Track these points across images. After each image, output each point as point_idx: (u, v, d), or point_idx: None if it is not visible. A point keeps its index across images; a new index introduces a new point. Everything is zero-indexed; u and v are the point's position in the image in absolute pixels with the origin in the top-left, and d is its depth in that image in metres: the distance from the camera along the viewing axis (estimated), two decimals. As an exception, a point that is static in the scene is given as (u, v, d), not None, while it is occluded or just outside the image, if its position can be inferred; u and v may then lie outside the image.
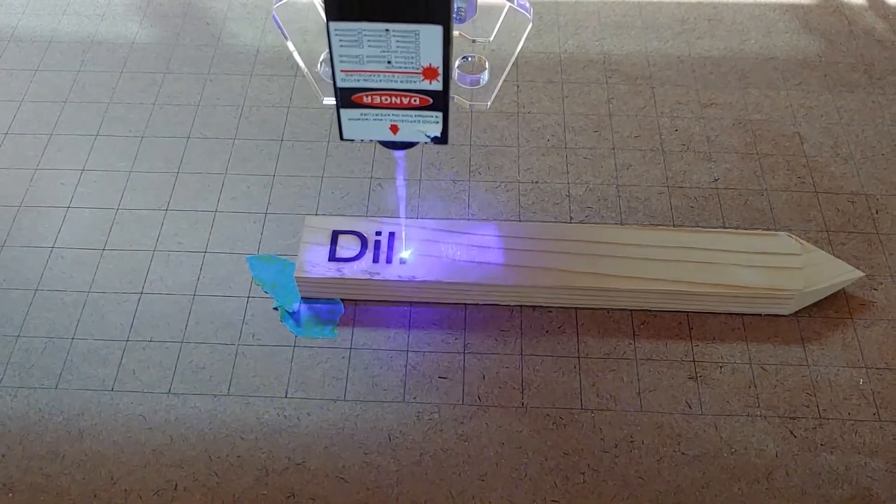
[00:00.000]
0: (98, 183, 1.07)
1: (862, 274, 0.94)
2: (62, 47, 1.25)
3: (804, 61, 1.23)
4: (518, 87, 1.19)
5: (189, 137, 1.12)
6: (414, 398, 0.88)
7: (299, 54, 0.80)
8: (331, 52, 0.67)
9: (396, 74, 0.69)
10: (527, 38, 1.25)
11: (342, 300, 0.95)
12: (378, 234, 0.95)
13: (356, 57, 0.67)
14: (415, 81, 0.69)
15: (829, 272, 0.93)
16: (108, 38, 1.27)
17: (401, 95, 0.71)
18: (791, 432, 0.85)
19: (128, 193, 1.06)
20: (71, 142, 1.12)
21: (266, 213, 1.04)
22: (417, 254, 0.93)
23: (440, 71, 0.68)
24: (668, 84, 1.20)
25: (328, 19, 0.64)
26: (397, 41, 0.66)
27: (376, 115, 0.73)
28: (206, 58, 1.24)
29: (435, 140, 0.75)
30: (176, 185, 1.07)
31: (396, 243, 0.94)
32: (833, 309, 0.95)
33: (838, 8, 1.32)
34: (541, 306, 0.95)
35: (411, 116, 0.73)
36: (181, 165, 1.09)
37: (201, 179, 1.07)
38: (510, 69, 1.21)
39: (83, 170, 1.08)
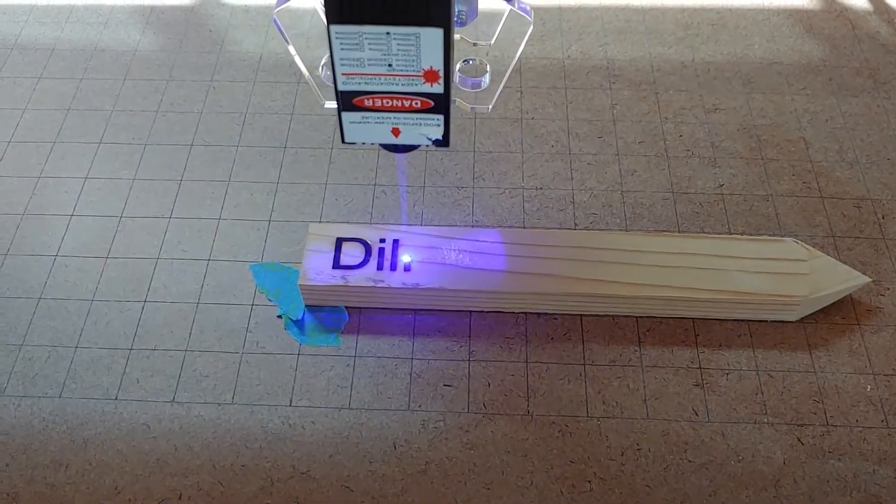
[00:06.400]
0: (101, 191, 1.07)
1: (869, 279, 0.94)
2: (65, 55, 1.25)
3: (808, 66, 1.23)
4: (521, 93, 1.19)
5: (192, 145, 1.12)
6: (419, 406, 0.87)
7: (300, 59, 0.80)
8: (332, 56, 0.67)
9: (397, 77, 0.69)
10: (530, 44, 1.25)
11: (346, 308, 0.95)
12: (382, 241, 0.95)
13: (357, 60, 0.67)
14: (416, 84, 0.69)
15: (835, 278, 0.93)
16: (110, 46, 1.27)
17: (402, 98, 0.71)
18: (798, 439, 0.85)
19: (131, 201, 1.06)
20: (74, 149, 1.12)
21: (269, 221, 1.03)
22: (421, 261, 0.93)
23: (441, 74, 0.68)
24: (672, 89, 1.19)
25: (329, 22, 0.64)
26: (398, 44, 0.66)
27: (378, 118, 0.73)
28: (208, 65, 1.24)
29: (436, 143, 0.75)
30: (179, 193, 1.07)
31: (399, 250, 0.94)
32: (840, 315, 0.94)
33: (842, 12, 1.32)
34: (546, 313, 0.94)
35: (413, 119, 0.73)
36: (184, 173, 1.09)
37: (204, 187, 1.07)
38: (513, 74, 1.20)
39: (86, 177, 1.08)
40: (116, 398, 0.88)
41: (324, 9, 0.63)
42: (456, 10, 0.71)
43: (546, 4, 1.33)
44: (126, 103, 1.18)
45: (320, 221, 1.03)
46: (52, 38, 1.28)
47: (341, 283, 0.91)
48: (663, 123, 1.15)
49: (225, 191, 1.07)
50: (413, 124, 0.73)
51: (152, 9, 1.33)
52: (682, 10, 1.32)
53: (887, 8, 1.33)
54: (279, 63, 1.24)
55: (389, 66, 0.68)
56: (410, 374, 0.90)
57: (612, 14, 1.32)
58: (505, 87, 0.86)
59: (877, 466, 0.83)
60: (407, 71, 0.68)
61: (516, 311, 0.94)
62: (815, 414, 0.87)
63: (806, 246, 0.95)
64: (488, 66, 0.82)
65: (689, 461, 0.83)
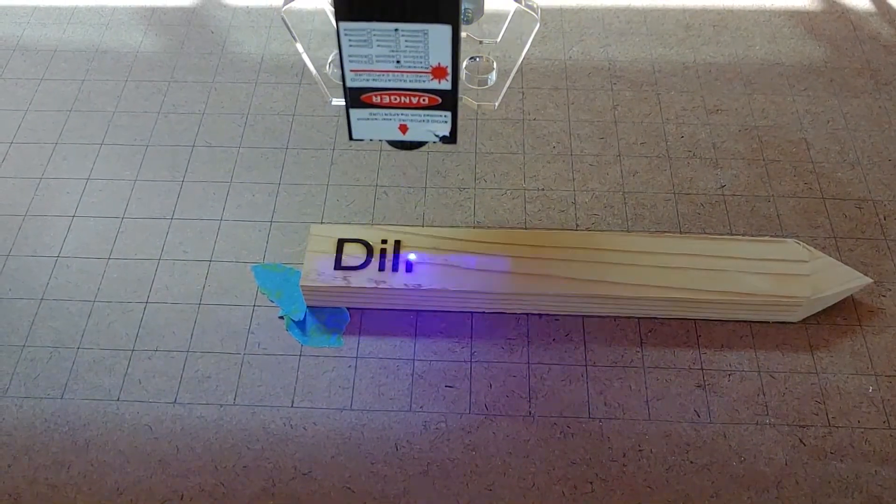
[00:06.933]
0: (103, 192, 1.07)
1: (870, 280, 0.94)
2: (67, 56, 1.26)
3: (810, 67, 1.23)
4: (523, 94, 1.19)
5: (194, 146, 1.12)
6: (420, 407, 0.87)
7: (308, 56, 0.80)
8: (340, 53, 0.68)
9: (406, 74, 0.69)
10: (531, 45, 1.25)
11: (348, 309, 0.95)
12: (384, 242, 0.95)
13: (366, 57, 0.68)
14: (424, 81, 0.70)
15: (837, 279, 0.93)
16: (112, 47, 1.27)
17: (410, 95, 0.71)
18: (800, 440, 0.85)
19: (133, 202, 1.06)
20: (76, 151, 1.12)
21: (271, 222, 1.03)
22: (423, 262, 0.93)
23: (449, 70, 0.68)
24: (673, 90, 1.19)
25: (338, 19, 0.65)
26: (406, 41, 0.66)
27: (385, 114, 0.73)
28: (210, 66, 1.24)
29: (444, 139, 0.75)
30: (181, 194, 1.07)
31: None
32: (841, 316, 0.94)
33: (844, 13, 1.32)
34: (547, 314, 0.94)
35: (420, 116, 0.73)
36: (186, 174, 1.09)
37: (206, 188, 1.07)
38: (517, 73, 1.20)
39: (88, 178, 1.08)
40: (118, 399, 0.88)
41: (333, 6, 0.64)
42: (463, 7, 0.72)
43: (547, 5, 1.33)
44: (128, 104, 1.18)
45: (322, 222, 1.03)
46: (54, 39, 1.28)
47: (343, 283, 0.91)
48: (665, 124, 1.15)
49: (227, 192, 1.07)
50: (421, 121, 0.74)
51: (154, 10, 1.33)
52: (684, 12, 1.32)
53: (889, 9, 1.33)
54: (281, 64, 1.24)
55: (398, 62, 0.68)
56: (412, 375, 0.90)
57: (613, 15, 1.32)
58: (507, 87, 0.86)
59: (879, 467, 0.83)
60: (415, 67, 0.68)
61: (518, 312, 0.94)
62: (817, 415, 0.87)
63: (807, 247, 0.95)
64: (495, 64, 0.83)
65: (691, 462, 0.83)
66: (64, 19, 1.32)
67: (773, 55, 1.25)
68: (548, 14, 1.32)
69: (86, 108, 1.18)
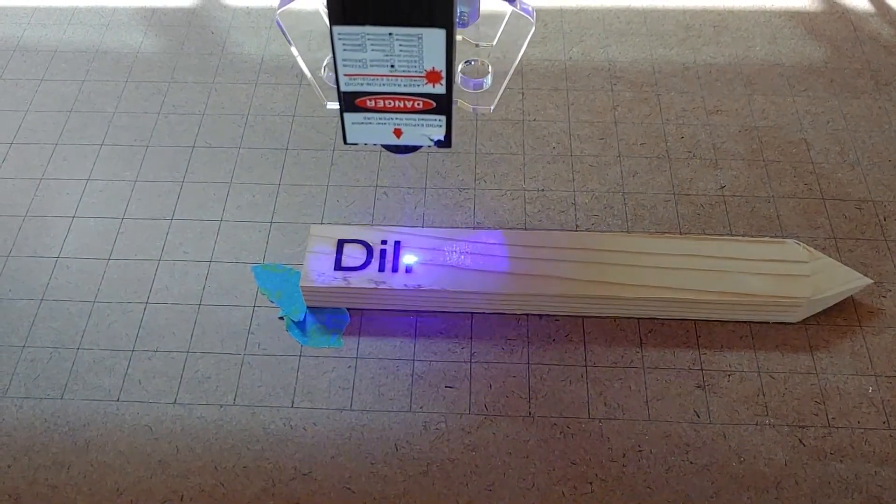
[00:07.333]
0: (103, 192, 1.07)
1: (870, 281, 0.94)
2: (67, 57, 1.26)
3: (810, 67, 1.23)
4: (523, 94, 1.19)
5: (194, 147, 1.12)
6: (420, 408, 0.87)
7: (303, 60, 0.80)
8: (334, 57, 0.68)
9: (400, 78, 0.69)
10: (531, 46, 1.25)
11: (348, 309, 0.95)
12: (384, 242, 0.95)
13: (360, 61, 0.68)
14: (418, 85, 0.69)
15: (837, 279, 0.93)
16: (112, 48, 1.27)
17: (404, 99, 0.71)
18: (800, 441, 0.85)
19: (133, 203, 1.06)
20: (76, 151, 1.12)
21: (271, 223, 1.03)
22: (423, 262, 0.93)
23: (443, 74, 0.68)
24: (673, 91, 1.19)
25: (332, 23, 0.65)
26: (400, 45, 0.66)
27: (380, 118, 0.73)
28: (210, 67, 1.24)
29: (438, 143, 0.75)
30: (181, 195, 1.07)
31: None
32: (841, 316, 0.94)
33: (844, 14, 1.32)
34: (547, 315, 0.94)
35: (415, 120, 0.73)
36: (186, 174, 1.09)
37: (206, 189, 1.07)
38: (514, 76, 1.21)
39: (88, 179, 1.09)
40: (118, 400, 0.88)
41: (326, 10, 0.64)
42: (458, 10, 0.72)
43: (547, 6, 1.33)
44: (128, 105, 1.18)
45: (322, 223, 1.03)
46: (54, 39, 1.29)
47: (343, 284, 0.91)
48: (665, 125, 1.15)
49: (227, 192, 1.07)
50: (415, 125, 0.74)
51: (154, 11, 1.33)
52: (684, 12, 1.32)
53: (889, 9, 1.33)
54: (281, 65, 1.24)
55: (392, 66, 0.68)
56: (412, 376, 0.90)
57: (613, 16, 1.32)
58: (506, 88, 0.86)
59: (878, 468, 0.83)
60: (409, 72, 0.68)
61: (518, 312, 0.94)
62: (817, 415, 0.87)
63: (807, 247, 0.95)
64: (490, 67, 0.83)
65: (691, 463, 0.83)
66: (64, 20, 1.32)
67: (773, 56, 1.25)
68: (548, 15, 1.32)
69: (86, 109, 1.18)
